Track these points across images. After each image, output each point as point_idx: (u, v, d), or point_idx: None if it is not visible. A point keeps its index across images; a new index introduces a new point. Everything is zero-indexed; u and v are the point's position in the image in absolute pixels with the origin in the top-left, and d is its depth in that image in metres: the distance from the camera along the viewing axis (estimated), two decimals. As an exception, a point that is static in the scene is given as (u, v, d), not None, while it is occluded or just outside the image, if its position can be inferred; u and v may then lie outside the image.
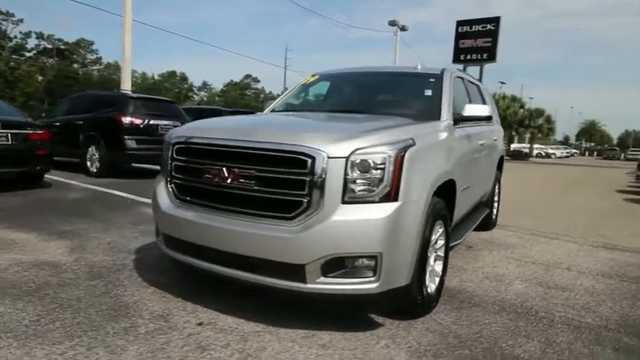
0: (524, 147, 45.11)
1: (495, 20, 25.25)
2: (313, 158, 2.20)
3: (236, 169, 2.36)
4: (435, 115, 3.18)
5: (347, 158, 2.21)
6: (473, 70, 24.51)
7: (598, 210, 7.94)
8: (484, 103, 4.70)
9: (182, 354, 2.14)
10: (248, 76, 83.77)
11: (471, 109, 3.30)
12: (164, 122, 8.61)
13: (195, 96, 76.88)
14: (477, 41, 25.53)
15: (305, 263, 2.20)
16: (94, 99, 9.25)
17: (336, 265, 2.23)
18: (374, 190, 2.23)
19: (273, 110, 3.96)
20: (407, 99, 3.74)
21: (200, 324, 2.47)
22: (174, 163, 2.70)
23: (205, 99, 76.48)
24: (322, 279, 2.23)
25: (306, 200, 2.22)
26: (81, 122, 8.72)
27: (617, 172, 24.48)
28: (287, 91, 4.17)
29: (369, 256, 2.21)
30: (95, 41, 69.29)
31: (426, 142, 2.58)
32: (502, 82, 45.53)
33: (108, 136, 8.20)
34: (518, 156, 36.72)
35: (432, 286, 2.75)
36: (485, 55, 25.23)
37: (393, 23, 27.67)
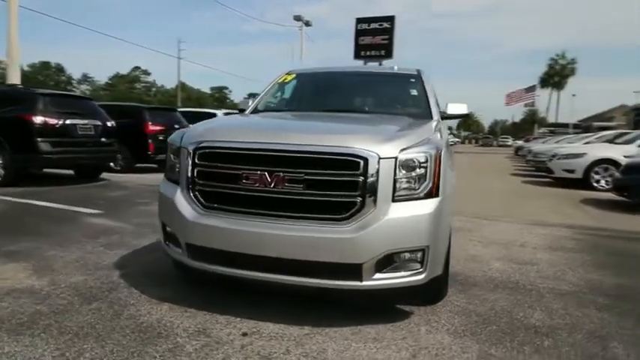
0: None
1: (390, 19, 26.92)
2: (366, 159, 2.26)
3: (281, 173, 2.32)
4: (428, 114, 3.42)
5: (396, 158, 2.32)
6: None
7: (509, 193, 9.10)
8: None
9: (250, 367, 2.08)
10: (137, 68, 78.03)
11: (454, 108, 3.60)
12: (82, 122, 7.75)
13: (75, 90, 69.29)
14: (375, 38, 26.97)
15: (362, 262, 2.26)
16: (-10, 96, 7.92)
17: (388, 261, 2.33)
18: (418, 188, 2.37)
19: (256, 109, 3.84)
20: (396, 99, 3.93)
21: (245, 334, 2.39)
22: (196, 169, 2.54)
23: (88, 93, 69.38)
24: (377, 275, 2.32)
25: (359, 201, 2.27)
26: (-25, 123, 7.44)
27: (499, 157, 27.99)
28: (265, 91, 4.06)
29: (418, 249, 2.35)
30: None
31: (444, 141, 2.79)
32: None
33: (15, 138, 7.10)
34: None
35: (445, 273, 2.98)
36: (383, 52, 26.71)
37: (298, 18, 27.95)
